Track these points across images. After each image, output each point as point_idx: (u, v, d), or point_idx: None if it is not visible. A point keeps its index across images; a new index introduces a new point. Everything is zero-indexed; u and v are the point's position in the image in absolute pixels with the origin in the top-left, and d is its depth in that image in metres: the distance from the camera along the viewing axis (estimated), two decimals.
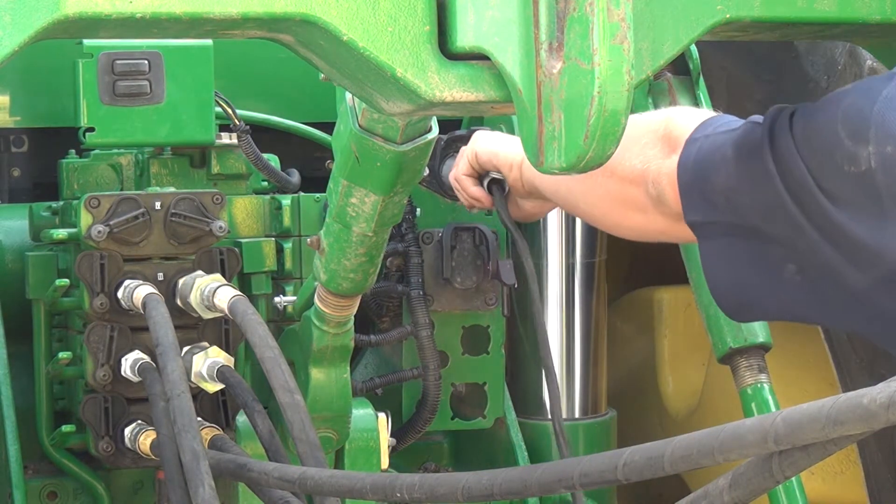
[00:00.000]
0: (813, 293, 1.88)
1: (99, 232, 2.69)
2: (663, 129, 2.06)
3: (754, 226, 1.91)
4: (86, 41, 2.87)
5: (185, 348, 2.63)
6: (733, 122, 2.02)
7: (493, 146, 2.59)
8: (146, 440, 2.68)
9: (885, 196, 1.72)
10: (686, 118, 2.07)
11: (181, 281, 2.69)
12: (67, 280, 2.82)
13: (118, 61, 2.89)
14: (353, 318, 2.68)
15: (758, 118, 1.95)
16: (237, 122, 3.00)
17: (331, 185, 2.44)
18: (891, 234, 1.72)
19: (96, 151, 3.08)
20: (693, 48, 3.00)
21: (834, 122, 1.78)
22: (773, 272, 1.91)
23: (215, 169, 3.06)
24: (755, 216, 1.90)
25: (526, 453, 3.28)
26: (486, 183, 2.60)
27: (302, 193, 3.10)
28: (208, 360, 2.59)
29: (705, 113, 2.10)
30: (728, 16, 1.83)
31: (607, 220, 2.23)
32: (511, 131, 3.14)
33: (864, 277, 1.77)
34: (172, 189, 2.86)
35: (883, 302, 1.77)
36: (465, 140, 2.76)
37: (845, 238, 1.77)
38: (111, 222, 2.70)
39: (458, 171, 2.67)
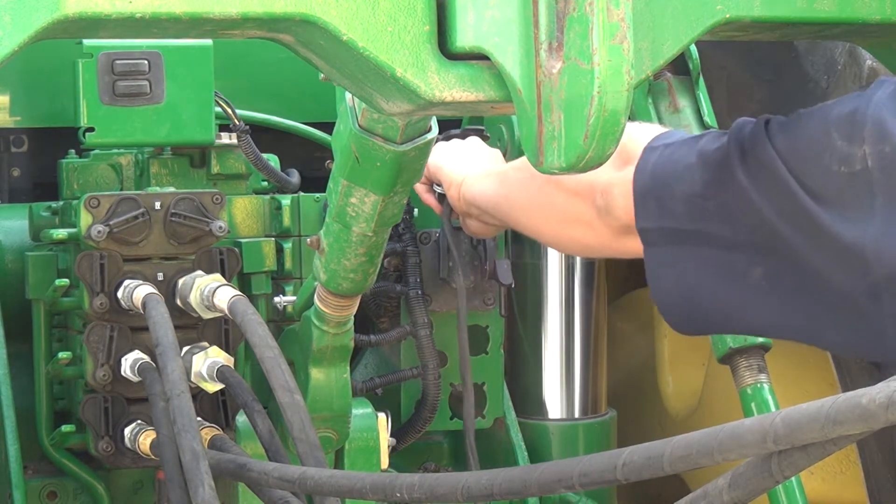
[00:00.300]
0: (777, 301, 1.87)
1: (99, 232, 2.69)
2: None
3: (716, 233, 1.90)
4: (86, 41, 2.87)
5: (185, 348, 2.63)
6: (693, 134, 2.02)
7: (440, 161, 2.62)
8: (146, 440, 2.68)
9: (880, 193, 1.72)
10: (639, 132, 2.07)
11: (181, 281, 2.69)
12: (67, 280, 2.81)
13: (118, 61, 2.89)
14: (352, 318, 2.68)
15: (717, 132, 1.96)
16: (237, 122, 2.99)
17: (331, 185, 2.44)
18: (879, 233, 1.72)
19: (96, 151, 3.08)
20: (693, 48, 3.00)
21: (825, 126, 1.79)
22: (732, 280, 1.90)
23: (215, 169, 3.06)
24: (720, 223, 1.89)
25: (526, 453, 3.27)
26: (436, 194, 2.67)
27: (302, 193, 3.10)
28: (208, 360, 2.59)
29: (658, 127, 2.10)
30: (728, 16, 1.83)
31: (550, 232, 2.22)
32: (511, 131, 3.14)
33: (849, 282, 1.77)
34: (172, 189, 2.86)
35: (866, 309, 1.77)
36: (459, 139, 2.78)
37: (831, 241, 1.77)
38: (111, 222, 2.70)
39: None
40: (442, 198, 2.68)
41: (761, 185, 1.83)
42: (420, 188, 2.72)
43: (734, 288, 1.90)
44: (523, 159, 2.13)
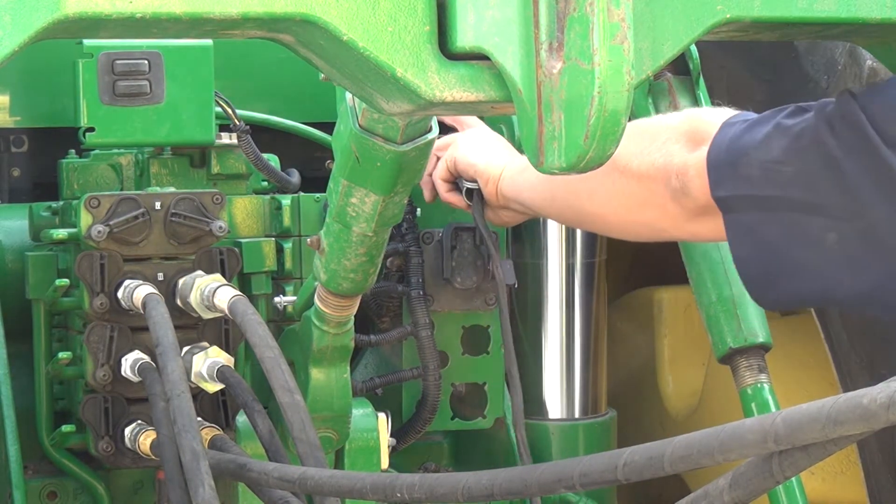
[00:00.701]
0: (857, 263, 1.89)
1: (99, 232, 2.69)
2: (687, 126, 2.08)
3: (796, 197, 1.92)
4: (86, 41, 2.87)
5: (185, 348, 2.63)
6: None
7: (472, 157, 2.62)
8: (146, 440, 2.68)
9: None
10: (712, 115, 2.10)
11: (181, 281, 2.69)
12: (67, 280, 2.81)
13: (118, 61, 2.89)
14: (353, 318, 2.68)
15: (795, 106, 1.99)
16: (237, 122, 2.99)
17: (331, 185, 2.44)
18: None
19: (96, 151, 3.08)
20: (693, 48, 3.00)
21: None
22: (812, 244, 1.92)
23: (215, 169, 3.06)
24: (799, 188, 1.91)
25: None
26: (464, 190, 2.66)
27: (302, 193, 3.10)
28: (208, 360, 2.59)
29: (730, 110, 2.13)
30: (728, 16, 1.83)
31: (619, 219, 2.23)
32: (511, 131, 3.14)
33: None
34: (172, 189, 2.86)
35: None
36: None
37: None
38: (111, 222, 2.70)
39: (436, 173, 2.70)
40: (470, 194, 2.67)
41: (846, 144, 1.86)
42: (441, 186, 2.71)
43: (810, 252, 1.92)
44: None
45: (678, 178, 2.06)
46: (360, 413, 2.89)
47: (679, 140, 2.08)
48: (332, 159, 2.41)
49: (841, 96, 1.92)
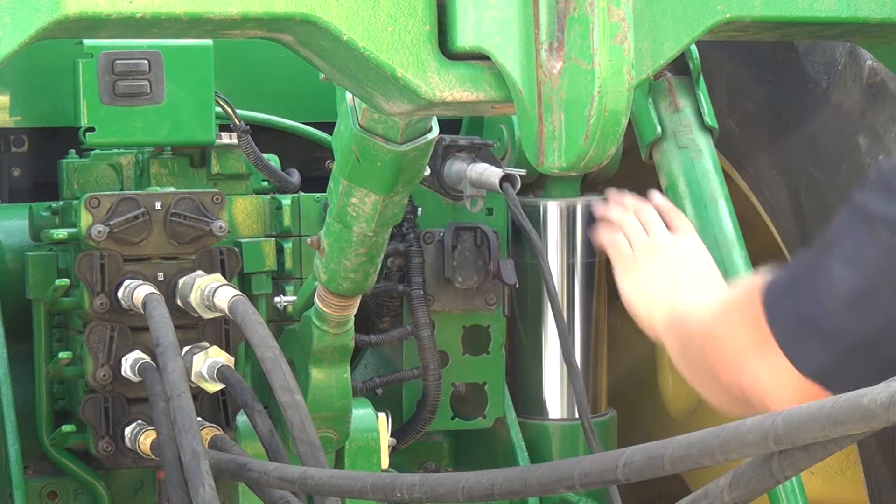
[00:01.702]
0: None
1: (99, 232, 2.69)
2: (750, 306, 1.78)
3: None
4: (86, 41, 2.87)
5: (185, 348, 2.63)
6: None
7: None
8: (146, 440, 2.68)
9: None
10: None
11: (181, 281, 2.69)
12: (67, 280, 2.81)
13: (118, 61, 2.89)
14: (353, 317, 2.68)
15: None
16: (237, 122, 2.99)
17: (331, 184, 2.44)
18: None
19: (96, 151, 3.08)
20: (693, 48, 3.00)
21: None
22: None
23: (215, 169, 3.06)
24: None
25: (526, 453, 3.27)
26: (500, 177, 2.62)
27: (302, 193, 3.10)
28: (208, 360, 2.59)
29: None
30: (728, 16, 1.83)
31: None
32: (511, 131, 3.14)
33: None
34: (172, 189, 2.86)
35: None
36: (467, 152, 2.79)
37: None
38: (111, 222, 2.70)
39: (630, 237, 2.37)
40: (503, 183, 2.63)
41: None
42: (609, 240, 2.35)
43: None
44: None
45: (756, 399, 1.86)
46: (360, 413, 2.89)
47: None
48: (332, 159, 2.41)
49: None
